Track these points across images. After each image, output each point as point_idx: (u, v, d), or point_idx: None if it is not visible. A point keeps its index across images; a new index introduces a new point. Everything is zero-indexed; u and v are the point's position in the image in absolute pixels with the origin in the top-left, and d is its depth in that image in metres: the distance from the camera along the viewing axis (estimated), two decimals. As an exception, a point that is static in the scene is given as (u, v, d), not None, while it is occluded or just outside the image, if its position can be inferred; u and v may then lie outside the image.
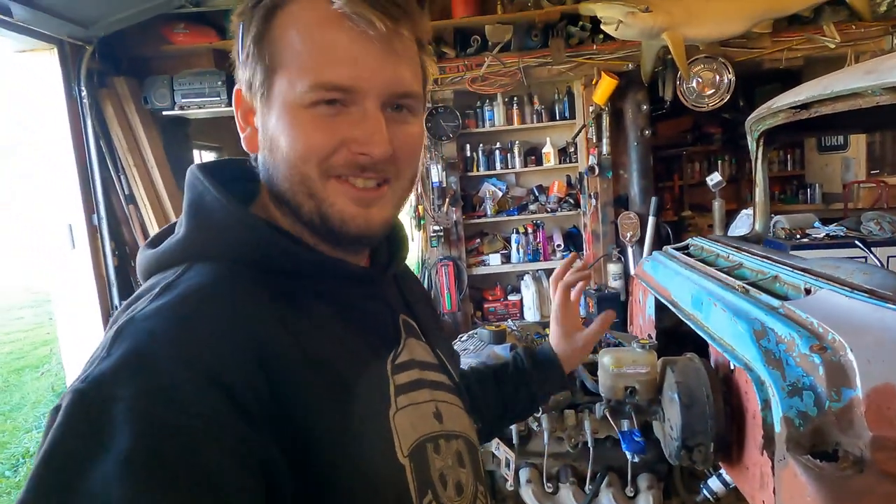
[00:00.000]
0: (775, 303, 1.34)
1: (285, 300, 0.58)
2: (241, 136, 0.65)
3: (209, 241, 0.60)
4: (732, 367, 1.34)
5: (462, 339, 1.98)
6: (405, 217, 4.47)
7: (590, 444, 1.63)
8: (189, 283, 0.55)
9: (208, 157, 4.95)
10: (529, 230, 4.51)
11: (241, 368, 0.50)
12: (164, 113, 3.90)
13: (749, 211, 3.28)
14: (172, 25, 3.82)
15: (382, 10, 0.57)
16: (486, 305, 4.58)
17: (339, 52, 0.57)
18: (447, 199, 4.25)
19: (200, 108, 3.89)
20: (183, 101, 3.84)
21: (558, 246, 4.51)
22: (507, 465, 1.67)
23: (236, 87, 0.64)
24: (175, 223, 0.64)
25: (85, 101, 3.44)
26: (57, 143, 3.50)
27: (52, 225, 3.65)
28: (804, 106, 1.75)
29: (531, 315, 4.43)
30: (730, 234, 3.31)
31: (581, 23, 3.88)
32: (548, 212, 4.48)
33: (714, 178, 3.59)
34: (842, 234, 2.71)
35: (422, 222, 4.35)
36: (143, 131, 3.80)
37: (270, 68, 0.59)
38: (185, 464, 0.44)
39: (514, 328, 1.97)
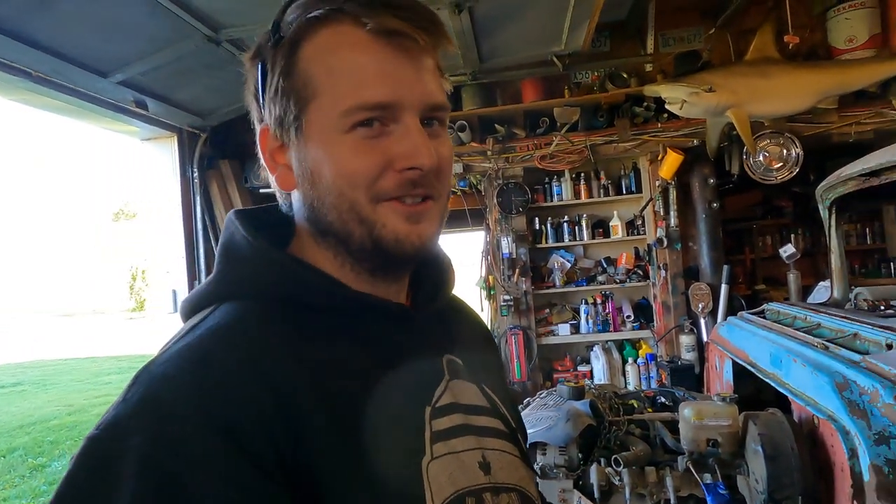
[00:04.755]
0: (856, 357, 1.39)
1: (308, 338, 0.56)
2: (272, 176, 0.63)
3: (236, 280, 0.60)
4: (816, 422, 1.37)
5: (541, 395, 2.06)
6: (475, 286, 4.64)
7: (672, 502, 1.64)
8: (210, 323, 0.54)
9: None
10: (598, 301, 4.56)
11: (255, 415, 0.48)
12: (261, 191, 4.39)
13: (827, 283, 3.23)
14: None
15: (415, 24, 0.56)
16: (555, 375, 4.57)
17: (375, 70, 0.56)
18: (517, 270, 4.40)
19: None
20: (277, 180, 4.33)
21: (628, 317, 4.52)
22: (590, 520, 1.70)
23: (261, 127, 0.62)
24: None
25: (195, 181, 3.90)
26: (169, 218, 3.96)
27: (159, 291, 4.05)
28: (874, 173, 1.82)
29: (602, 387, 4.39)
30: (808, 304, 3.26)
31: (646, 103, 4.10)
32: (616, 283, 4.54)
33: (788, 250, 3.58)
34: (929, 304, 2.64)
35: (492, 292, 4.50)
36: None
37: (304, 99, 0.57)
38: None
39: (592, 386, 2.04)
